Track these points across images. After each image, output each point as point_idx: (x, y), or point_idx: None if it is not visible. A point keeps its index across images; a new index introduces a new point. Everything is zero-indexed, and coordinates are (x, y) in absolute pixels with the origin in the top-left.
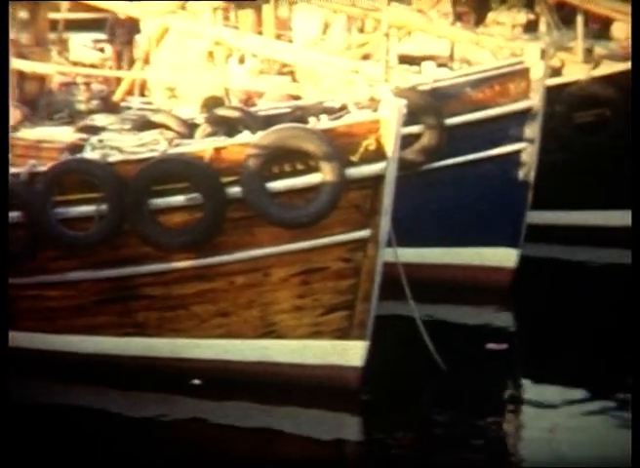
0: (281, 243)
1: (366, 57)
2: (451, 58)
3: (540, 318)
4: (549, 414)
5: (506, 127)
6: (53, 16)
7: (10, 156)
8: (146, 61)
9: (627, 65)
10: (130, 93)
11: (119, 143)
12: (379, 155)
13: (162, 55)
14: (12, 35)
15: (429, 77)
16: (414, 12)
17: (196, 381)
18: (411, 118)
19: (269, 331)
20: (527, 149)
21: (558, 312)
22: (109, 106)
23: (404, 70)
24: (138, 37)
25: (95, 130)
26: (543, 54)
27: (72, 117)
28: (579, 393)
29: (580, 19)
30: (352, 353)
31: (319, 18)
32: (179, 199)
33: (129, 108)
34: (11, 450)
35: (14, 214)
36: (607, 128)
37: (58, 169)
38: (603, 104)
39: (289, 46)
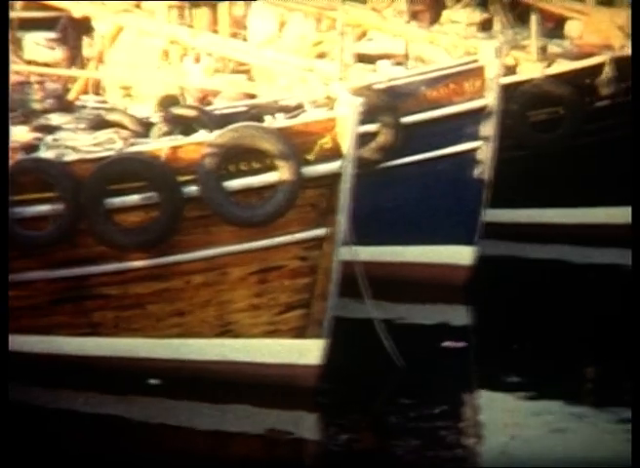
0: (238, 242)
1: (321, 55)
2: (406, 56)
3: (496, 316)
4: (507, 411)
5: (462, 125)
6: None
7: None
8: (101, 60)
9: (581, 63)
10: (84, 92)
11: (74, 142)
12: (335, 154)
13: (117, 53)
14: None
15: (385, 76)
16: (369, 10)
17: (153, 381)
18: (367, 117)
19: (226, 331)
20: (482, 147)
21: (515, 310)
22: (64, 105)
23: (359, 68)
24: (92, 36)
25: (49, 129)
26: (498, 52)
27: (27, 116)
28: (536, 390)
29: (534, 18)
30: (310, 352)
31: (274, 16)
32: (134, 198)
33: (84, 107)
34: None
35: None
36: (561, 126)
37: (12, 168)
38: (557, 102)
39: (244, 45)
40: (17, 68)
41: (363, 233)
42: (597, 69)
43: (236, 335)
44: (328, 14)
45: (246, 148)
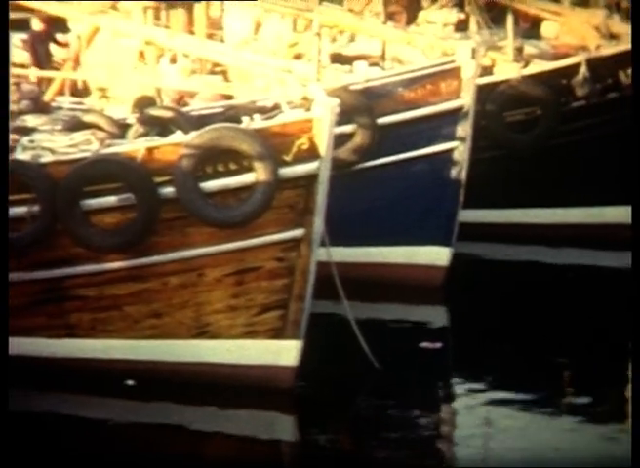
0: (215, 243)
1: (298, 56)
2: (382, 57)
3: (472, 316)
4: (482, 411)
5: (438, 126)
6: None
7: None
8: (77, 62)
9: (557, 64)
10: (60, 93)
11: (51, 144)
12: (312, 154)
13: (93, 55)
14: None
15: (361, 76)
16: (345, 11)
17: (130, 382)
18: (343, 117)
19: (203, 332)
20: (459, 148)
21: (491, 310)
22: (40, 107)
23: (336, 69)
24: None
25: (26, 130)
26: (474, 53)
27: None
28: (511, 390)
29: (510, 19)
30: (286, 352)
31: (251, 17)
32: (111, 199)
33: (60, 108)
34: None
35: None
36: (537, 126)
37: None
38: (533, 103)
39: (221, 45)
40: None
41: (340, 234)
42: (573, 70)
43: (213, 337)
44: (304, 15)
45: (223, 149)
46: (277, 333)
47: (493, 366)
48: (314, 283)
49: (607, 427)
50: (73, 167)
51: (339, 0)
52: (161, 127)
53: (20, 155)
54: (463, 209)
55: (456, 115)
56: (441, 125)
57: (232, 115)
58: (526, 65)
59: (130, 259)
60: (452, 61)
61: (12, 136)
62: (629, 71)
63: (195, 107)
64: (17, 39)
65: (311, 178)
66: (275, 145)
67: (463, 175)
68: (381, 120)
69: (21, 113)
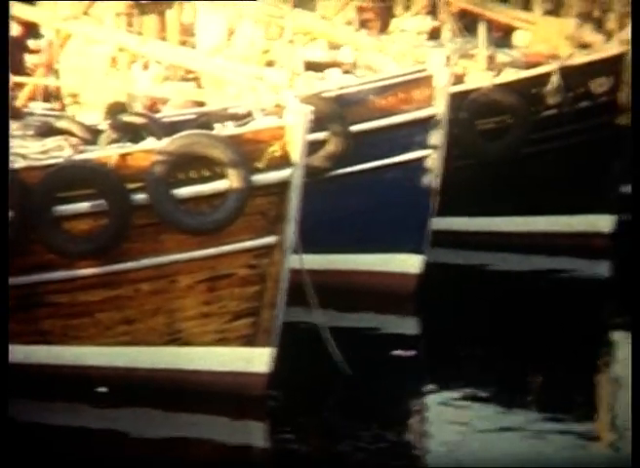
0: (187, 250)
1: (270, 63)
2: (355, 64)
3: (445, 323)
4: (455, 418)
5: (411, 134)
6: None
7: None
8: (49, 67)
9: (529, 73)
10: (32, 98)
11: (23, 150)
12: (284, 161)
13: (65, 60)
14: None
15: (334, 84)
16: (318, 18)
17: (102, 389)
18: (316, 125)
19: (175, 339)
20: (431, 156)
21: (464, 317)
22: (12, 112)
23: (309, 77)
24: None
25: None
26: (447, 61)
27: None
28: (484, 397)
29: (482, 27)
30: (258, 360)
31: (223, 24)
32: (83, 206)
33: (32, 114)
34: None
35: None
36: (508, 134)
37: None
38: (505, 111)
39: (193, 52)
40: None
41: (312, 241)
42: (544, 79)
43: (185, 343)
44: (277, 21)
45: (195, 156)
46: (249, 341)
47: (465, 373)
48: (287, 290)
49: (578, 430)
50: (45, 173)
51: (311, 7)
52: (133, 133)
53: None
54: (436, 217)
55: (428, 123)
56: (414, 133)
57: (205, 122)
58: (498, 74)
59: (102, 266)
60: (424, 69)
61: None
62: (600, 80)
63: (167, 114)
64: None
65: (284, 186)
66: (248, 152)
67: (436, 183)
68: (354, 127)
69: None
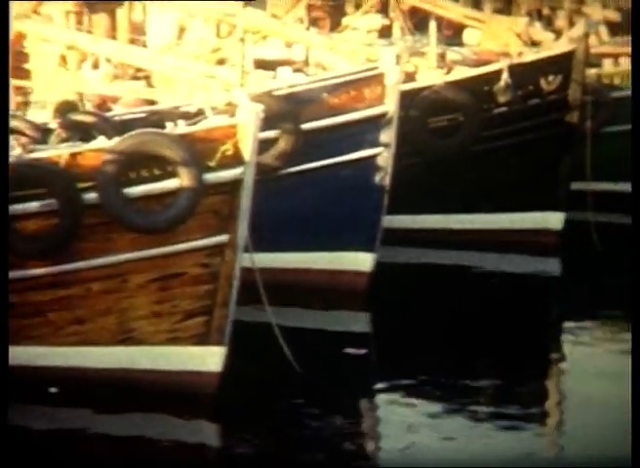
0: (138, 249)
1: (221, 61)
2: (306, 63)
3: (397, 321)
4: (405, 415)
5: (362, 132)
6: None
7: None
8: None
9: (479, 71)
10: None
11: None
12: (236, 160)
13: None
14: None
15: (285, 82)
16: (269, 17)
17: (53, 389)
18: (267, 123)
19: (127, 338)
20: (383, 154)
21: (415, 315)
22: None
23: (259, 75)
24: None
25: None
26: (398, 59)
27: None
28: (435, 395)
29: (433, 25)
30: (210, 358)
31: (174, 22)
32: (34, 205)
33: None
34: None
35: None
36: (459, 132)
37: None
38: (456, 109)
39: (144, 50)
40: None
41: (264, 240)
42: (495, 76)
43: (137, 343)
44: (228, 20)
45: (147, 155)
46: (201, 340)
47: (416, 370)
48: (238, 289)
49: (529, 430)
50: None
51: (262, 5)
52: (84, 132)
53: None
54: (388, 214)
55: (379, 121)
56: (365, 131)
57: (155, 120)
58: (449, 72)
59: (53, 265)
60: (375, 68)
61: None
62: (550, 78)
63: (118, 112)
64: None
65: (236, 184)
66: (199, 151)
67: (387, 181)
68: (306, 126)
69: None
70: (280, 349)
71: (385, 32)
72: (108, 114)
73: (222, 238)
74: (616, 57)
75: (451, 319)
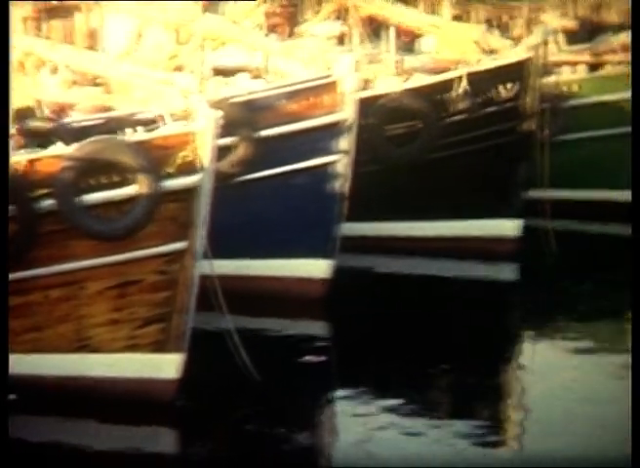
0: (96, 256)
1: (179, 68)
2: (264, 69)
3: (355, 328)
4: (365, 423)
5: (320, 139)
6: None
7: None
8: None
9: (437, 78)
10: None
11: None
12: (194, 167)
13: None
14: None
15: (243, 89)
16: (227, 23)
17: (11, 396)
18: (225, 130)
19: (85, 345)
20: (340, 161)
21: (373, 322)
22: None
23: (218, 82)
24: None
25: None
26: (356, 66)
27: None
28: (394, 402)
29: (391, 32)
30: (168, 366)
31: (132, 28)
32: None
33: None
34: None
35: None
36: (417, 139)
37: None
38: (414, 116)
39: (101, 57)
40: None
41: (222, 246)
42: (452, 84)
43: (95, 350)
44: (186, 26)
45: (105, 161)
46: (159, 347)
47: (375, 378)
48: (197, 296)
49: (486, 437)
50: None
51: (220, 12)
52: (41, 138)
53: None
54: (345, 222)
55: (337, 128)
56: (323, 138)
57: (113, 127)
58: (406, 79)
59: (11, 272)
60: (333, 75)
61: None
62: (507, 85)
63: (76, 119)
64: None
65: (194, 191)
66: (157, 157)
67: (345, 188)
68: (263, 133)
69: None
70: (239, 357)
71: (344, 39)
72: (66, 120)
73: (180, 245)
74: (573, 64)
75: (409, 325)
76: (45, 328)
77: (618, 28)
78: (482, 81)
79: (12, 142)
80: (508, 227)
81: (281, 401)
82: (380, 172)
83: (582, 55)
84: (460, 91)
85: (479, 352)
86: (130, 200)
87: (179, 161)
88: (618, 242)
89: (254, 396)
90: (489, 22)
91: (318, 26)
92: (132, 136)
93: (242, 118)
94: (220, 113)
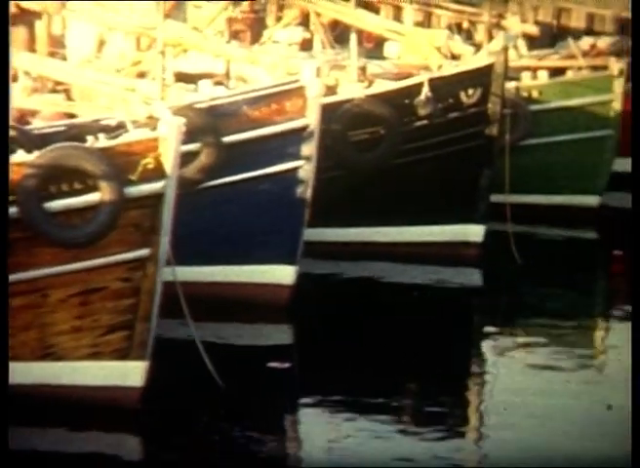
0: (59, 263)
1: (141, 74)
2: (227, 76)
3: (319, 334)
4: (330, 429)
5: (284, 145)
6: None
7: None
8: None
9: (400, 84)
10: None
11: None
12: (158, 174)
13: None
14: None
15: (206, 95)
16: (189, 30)
17: None
18: (189, 136)
19: (48, 353)
20: (304, 167)
21: (337, 328)
22: None
23: (180, 88)
24: None
25: None
26: (319, 72)
27: None
28: (358, 408)
29: (353, 38)
30: (132, 373)
31: (94, 35)
32: None
33: None
34: None
35: None
36: (381, 145)
37: None
38: (377, 122)
39: (63, 64)
40: None
41: (186, 253)
42: (415, 90)
43: (58, 358)
44: (148, 32)
45: (67, 169)
46: (123, 354)
47: (340, 384)
48: (160, 303)
49: (450, 443)
50: None
51: (182, 18)
52: None
53: None
54: (309, 227)
55: (301, 134)
56: (286, 144)
57: (76, 134)
58: (369, 85)
59: None
60: (296, 81)
61: None
62: (470, 91)
63: (37, 126)
64: None
65: (157, 198)
66: (120, 164)
67: (309, 194)
68: (227, 139)
69: None
70: (203, 363)
71: (306, 45)
72: (27, 127)
73: (144, 252)
74: (534, 70)
75: (373, 331)
76: (8, 336)
77: (579, 34)
78: (445, 87)
79: None
80: (473, 232)
81: (246, 407)
82: (345, 177)
83: (543, 60)
84: (423, 97)
85: (444, 357)
86: (93, 207)
87: (142, 168)
88: (580, 246)
89: (218, 402)
90: (451, 28)
91: (281, 33)
92: (94, 142)
93: (205, 124)
94: (184, 119)
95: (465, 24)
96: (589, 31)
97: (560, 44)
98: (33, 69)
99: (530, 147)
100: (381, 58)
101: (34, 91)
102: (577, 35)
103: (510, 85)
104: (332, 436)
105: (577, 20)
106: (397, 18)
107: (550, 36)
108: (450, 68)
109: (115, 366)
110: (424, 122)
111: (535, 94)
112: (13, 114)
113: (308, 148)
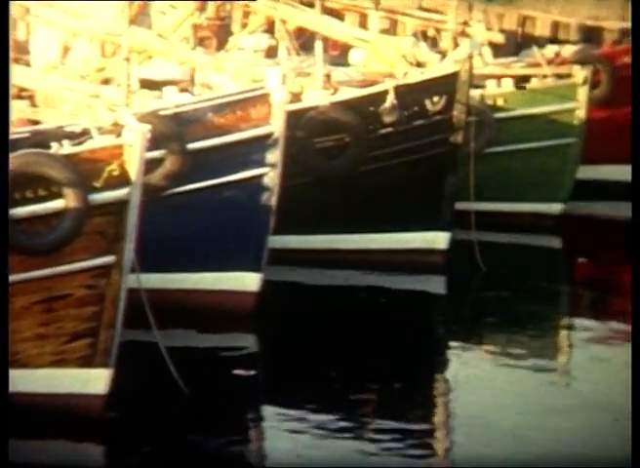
0: (23, 270)
1: (106, 81)
2: (192, 82)
3: (284, 342)
4: (294, 437)
5: (249, 152)
6: None
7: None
8: None
9: (365, 91)
10: None
11: None
12: (122, 180)
13: None
14: None
15: (171, 102)
16: (154, 36)
17: None
18: (153, 143)
19: (12, 361)
20: (269, 174)
21: (303, 336)
22: None
23: (145, 95)
24: None
25: None
26: (284, 79)
27: None
28: (323, 416)
29: (318, 46)
30: (96, 381)
31: (58, 41)
32: None
33: None
34: None
35: None
36: (346, 152)
37: None
38: (342, 130)
39: (27, 70)
40: None
41: (150, 260)
42: (381, 97)
43: (22, 365)
44: (113, 39)
45: (31, 175)
46: (87, 362)
47: (304, 391)
48: (125, 310)
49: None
50: None
51: (147, 24)
52: None
53: None
54: (274, 235)
55: (266, 141)
56: (251, 151)
57: (40, 141)
58: (335, 92)
59: None
60: (261, 88)
61: None
62: (435, 99)
63: None
64: None
65: (122, 205)
66: (85, 171)
67: (274, 202)
68: (192, 146)
69: None
70: (168, 370)
71: (272, 52)
72: None
73: (108, 259)
74: (499, 78)
75: (338, 338)
76: None
77: (543, 42)
78: (410, 94)
79: None
80: (437, 240)
81: (210, 414)
82: (309, 184)
83: (508, 68)
84: (388, 104)
85: (408, 364)
86: (57, 214)
87: (106, 174)
88: (544, 253)
89: (183, 410)
90: (416, 36)
91: (246, 40)
92: (59, 149)
93: (170, 131)
94: (149, 126)
95: (431, 32)
96: (554, 39)
97: (525, 52)
98: None
99: (494, 155)
100: (347, 65)
101: None
102: (541, 43)
103: (475, 92)
104: (295, 442)
105: (541, 29)
106: (363, 25)
107: (515, 44)
108: (415, 76)
109: (79, 373)
110: (390, 129)
111: (499, 101)
112: None
113: (273, 155)
